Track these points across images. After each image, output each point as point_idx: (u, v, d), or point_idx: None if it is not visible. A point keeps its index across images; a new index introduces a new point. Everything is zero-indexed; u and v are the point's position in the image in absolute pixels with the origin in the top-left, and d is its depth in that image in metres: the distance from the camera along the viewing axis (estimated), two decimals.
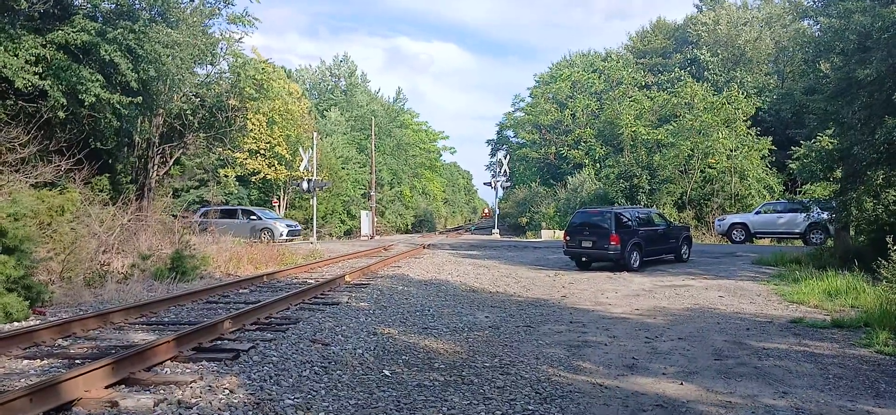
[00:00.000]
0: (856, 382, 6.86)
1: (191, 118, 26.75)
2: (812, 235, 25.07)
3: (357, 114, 64.20)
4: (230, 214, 31.28)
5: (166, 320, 9.79)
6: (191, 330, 7.86)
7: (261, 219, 30.73)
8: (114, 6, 19.67)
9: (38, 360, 7.11)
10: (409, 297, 12.57)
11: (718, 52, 50.12)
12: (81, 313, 9.98)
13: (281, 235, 29.48)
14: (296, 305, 10.85)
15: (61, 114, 16.88)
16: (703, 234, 33.88)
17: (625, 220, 18.80)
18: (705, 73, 48.79)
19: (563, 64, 62.83)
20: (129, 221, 17.52)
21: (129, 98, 19.30)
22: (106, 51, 17.79)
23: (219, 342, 7.86)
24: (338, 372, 6.78)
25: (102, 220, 15.54)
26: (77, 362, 6.91)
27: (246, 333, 8.54)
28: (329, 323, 9.20)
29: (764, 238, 28.02)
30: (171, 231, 18.22)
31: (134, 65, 18.87)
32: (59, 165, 16.49)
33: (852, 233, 19.00)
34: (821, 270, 14.57)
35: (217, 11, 27.16)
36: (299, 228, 31.37)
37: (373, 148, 53.20)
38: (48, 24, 17.50)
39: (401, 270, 17.70)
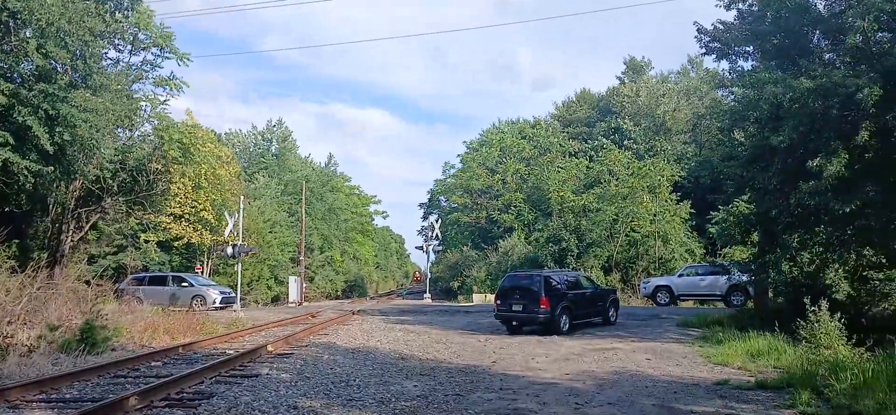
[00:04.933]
0: None
1: (110, 182, 25.77)
2: (733, 297, 25.80)
3: (289, 178, 63.42)
4: (160, 280, 29.94)
5: (68, 396, 9.08)
6: (91, 408, 7.29)
7: (193, 286, 29.49)
8: (32, 69, 18.94)
9: None
10: (334, 366, 12.11)
11: (640, 121, 52.18)
12: None
13: (213, 302, 28.31)
14: (211, 378, 10.26)
15: None
16: (629, 296, 34.50)
17: (554, 283, 18.88)
18: (627, 141, 50.59)
19: (492, 131, 64.10)
20: (39, 289, 16.48)
21: (43, 163, 18.45)
22: (20, 112, 17.01)
23: None
24: None
25: (9, 289, 14.54)
26: None
27: (154, 410, 7.97)
28: (246, 397, 8.70)
29: (687, 300, 28.69)
30: (84, 300, 17.15)
31: (49, 129, 18.10)
32: None
33: (771, 294, 19.62)
34: (743, 331, 14.89)
35: (143, 75, 26.61)
36: (233, 295, 30.19)
37: (303, 212, 52.38)
38: None
39: (328, 337, 17.17)
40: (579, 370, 11.95)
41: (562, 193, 41.92)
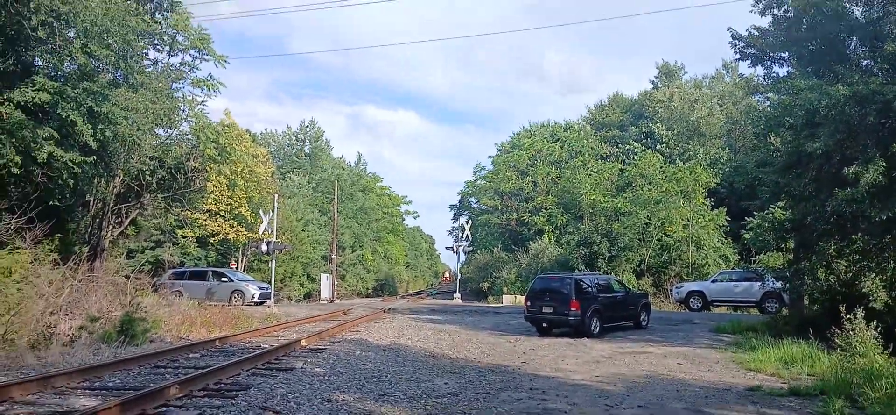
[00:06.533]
0: None
1: (149, 179, 26.34)
2: (767, 304, 25.41)
3: (321, 177, 64.12)
4: (200, 275, 30.73)
5: (111, 384, 9.39)
6: (135, 396, 7.55)
7: (232, 280, 30.21)
8: (76, 67, 19.50)
9: None
10: (366, 362, 12.31)
11: (673, 126, 51.70)
12: (22, 376, 9.52)
13: (252, 296, 28.99)
14: (247, 370, 10.52)
15: (15, 170, 16.51)
16: (661, 301, 34.21)
17: (585, 286, 18.87)
18: (659, 145, 50.17)
19: (523, 134, 64.01)
20: (80, 281, 16.97)
21: (85, 157, 18.97)
22: (64, 109, 17.55)
23: (164, 409, 7.56)
24: None
25: (51, 280, 15.01)
26: None
27: (193, 399, 8.22)
28: (282, 389, 8.92)
29: (720, 306, 28.34)
30: (123, 293, 17.65)
31: (92, 125, 18.62)
32: (8, 224, 16.00)
33: (806, 302, 19.34)
34: (777, 338, 14.73)
35: (183, 75, 27.16)
36: (270, 290, 30.84)
37: (335, 211, 52.92)
38: (6, 82, 17.23)
39: (360, 334, 17.40)
40: (610, 373, 11.97)
41: (593, 196, 41.73)
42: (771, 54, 17.49)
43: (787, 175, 16.61)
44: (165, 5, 24.40)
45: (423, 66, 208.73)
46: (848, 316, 11.28)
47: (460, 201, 77.40)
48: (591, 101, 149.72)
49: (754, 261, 30.44)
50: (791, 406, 9.08)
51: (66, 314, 15.15)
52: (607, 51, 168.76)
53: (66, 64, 19.72)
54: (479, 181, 68.69)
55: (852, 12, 15.62)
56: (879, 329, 11.09)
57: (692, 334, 18.81)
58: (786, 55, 17.40)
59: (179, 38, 26.08)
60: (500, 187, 57.39)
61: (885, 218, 13.62)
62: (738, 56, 18.12)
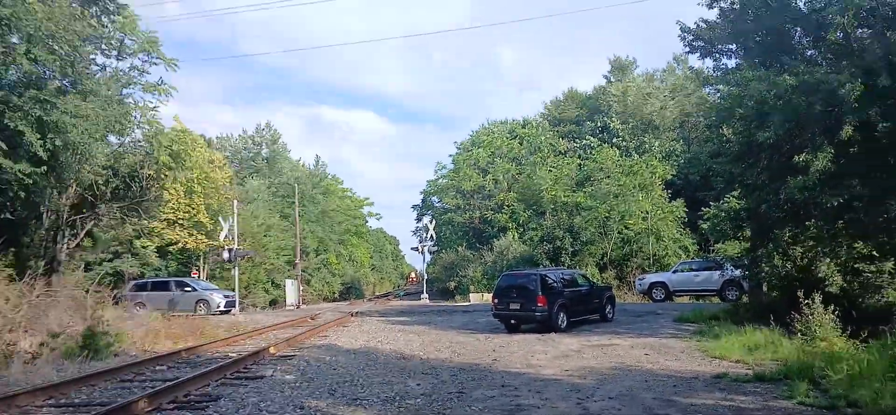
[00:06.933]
0: None
1: (103, 188, 25.71)
2: (728, 292, 25.95)
3: (280, 181, 63.44)
4: (163, 286, 30.26)
5: (77, 401, 9.19)
6: (103, 411, 7.40)
7: (196, 290, 29.79)
8: (21, 75, 18.95)
9: None
10: (337, 367, 12.24)
11: (628, 120, 52.53)
12: None
13: (218, 305, 28.64)
14: (216, 380, 10.37)
15: None
16: (625, 293, 34.69)
17: (550, 282, 19.04)
18: (615, 139, 50.92)
19: (482, 132, 64.22)
20: (38, 297, 16.52)
21: (35, 167, 18.47)
22: (11, 118, 17.05)
23: None
24: None
25: (8, 297, 14.61)
26: None
27: (163, 412, 8.10)
28: (253, 398, 8.82)
29: (683, 296, 28.88)
30: (84, 307, 17.23)
31: (41, 135, 18.12)
32: None
33: (765, 288, 19.82)
34: (739, 325, 15.07)
35: (133, 81, 26.54)
36: (235, 298, 30.44)
37: (297, 215, 52.37)
38: None
39: (329, 339, 17.28)
40: (579, 366, 12.12)
41: (554, 192, 42.16)
42: (719, 47, 17.76)
43: (740, 165, 16.99)
44: (112, 8, 23.85)
45: (380, 67, 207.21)
46: (806, 301, 11.63)
47: (423, 201, 77.25)
48: (546, 97, 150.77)
49: (713, 250, 31.02)
50: (757, 391, 9.32)
51: (26, 331, 14.76)
52: (559, 47, 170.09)
53: (11, 71, 19.17)
54: (440, 180, 68.67)
55: (796, 3, 15.95)
56: (836, 313, 11.47)
57: (656, 324, 19.15)
58: (733, 47, 17.68)
59: (127, 42, 25.48)
60: (462, 186, 57.49)
61: (836, 204, 14.06)
62: (687, 49, 18.40)
